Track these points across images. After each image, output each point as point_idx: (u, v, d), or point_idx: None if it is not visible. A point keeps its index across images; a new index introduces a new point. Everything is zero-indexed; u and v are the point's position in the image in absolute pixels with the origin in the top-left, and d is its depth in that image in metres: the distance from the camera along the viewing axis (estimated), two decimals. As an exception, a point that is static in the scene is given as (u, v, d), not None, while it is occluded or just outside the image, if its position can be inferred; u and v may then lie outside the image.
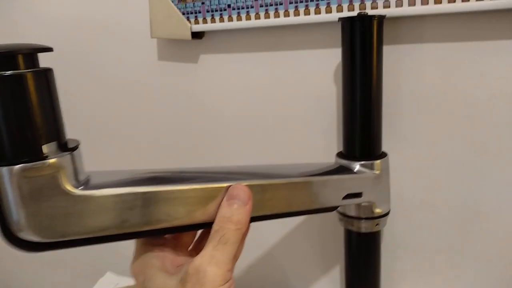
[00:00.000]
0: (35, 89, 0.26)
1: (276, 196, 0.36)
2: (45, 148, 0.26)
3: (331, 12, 0.48)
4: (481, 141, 0.48)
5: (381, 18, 0.43)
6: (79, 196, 0.28)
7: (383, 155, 0.47)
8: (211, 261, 0.30)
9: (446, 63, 0.47)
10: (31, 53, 0.26)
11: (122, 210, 0.29)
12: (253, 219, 0.35)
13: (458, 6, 0.42)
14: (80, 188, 0.28)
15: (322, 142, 0.56)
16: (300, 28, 0.52)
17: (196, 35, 0.57)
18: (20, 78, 0.25)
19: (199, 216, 0.32)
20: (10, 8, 0.73)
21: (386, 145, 0.48)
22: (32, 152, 0.26)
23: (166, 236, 0.36)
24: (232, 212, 0.32)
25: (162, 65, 0.63)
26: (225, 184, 0.33)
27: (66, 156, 0.27)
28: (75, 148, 0.29)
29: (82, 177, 0.29)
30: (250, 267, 0.69)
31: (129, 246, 0.57)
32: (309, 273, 0.64)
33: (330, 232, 0.59)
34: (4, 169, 0.25)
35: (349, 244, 0.51)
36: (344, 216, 0.48)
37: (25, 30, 0.73)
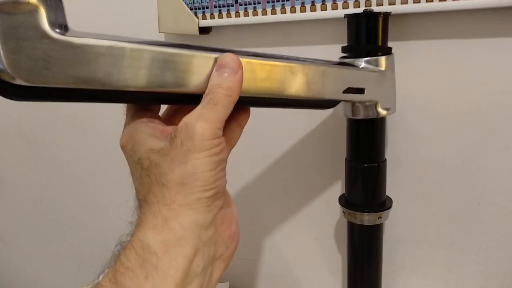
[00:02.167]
0: None
1: (271, 77, 0.35)
2: None
3: (337, 8, 0.49)
4: (482, 136, 0.49)
5: (387, 14, 0.44)
6: (59, 40, 0.27)
7: (389, 51, 0.46)
8: (199, 116, 0.29)
9: (450, 59, 0.48)
10: None
11: (106, 65, 0.28)
12: (247, 100, 0.34)
13: (463, 3, 0.43)
14: (59, 33, 0.27)
15: (329, 147, 0.56)
16: (307, 24, 0.53)
17: (204, 30, 0.58)
18: None
19: (187, 85, 0.31)
20: None
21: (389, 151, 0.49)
22: None
23: (156, 112, 0.35)
24: (223, 79, 0.31)
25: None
26: (214, 55, 0.32)
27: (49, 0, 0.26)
28: None
29: (62, 24, 0.28)
30: (252, 257, 0.70)
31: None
32: (312, 264, 0.65)
33: (333, 225, 0.60)
34: None
35: (351, 236, 0.52)
36: (347, 208, 0.49)
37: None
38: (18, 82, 0.26)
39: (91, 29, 0.68)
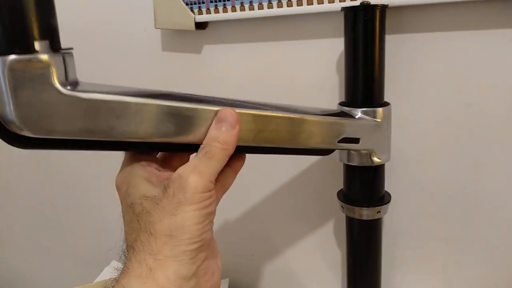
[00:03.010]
0: None
1: (270, 129, 0.36)
2: (38, 45, 0.27)
3: (333, 1, 0.48)
4: (481, 129, 0.48)
5: (384, 7, 0.43)
6: (67, 96, 0.28)
7: (385, 104, 0.46)
8: (194, 169, 0.31)
9: (448, 51, 0.47)
10: None
11: (109, 117, 0.30)
12: (245, 149, 0.36)
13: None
14: (69, 88, 0.28)
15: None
16: (303, 18, 0.53)
17: (200, 26, 0.57)
18: None
19: (187, 136, 0.33)
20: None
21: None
22: (25, 45, 0.26)
23: (155, 153, 0.37)
24: (220, 133, 0.32)
25: (166, 56, 0.63)
26: (214, 108, 0.33)
27: (58, 57, 0.28)
28: (68, 50, 0.29)
29: (72, 80, 0.29)
30: (251, 253, 0.70)
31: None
32: (311, 259, 0.65)
33: (332, 220, 0.60)
34: None
35: (350, 231, 0.52)
36: (346, 203, 0.49)
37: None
38: (26, 133, 0.28)
39: (87, 25, 0.67)
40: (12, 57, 0.26)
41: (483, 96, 0.47)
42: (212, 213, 0.32)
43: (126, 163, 0.35)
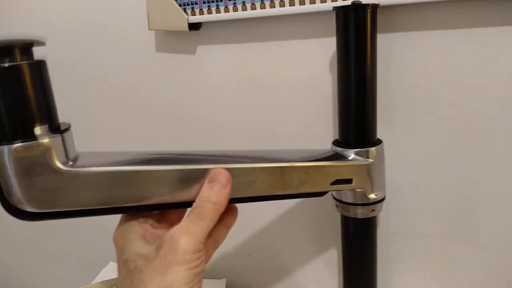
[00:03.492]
0: (30, 78, 0.29)
1: (261, 179, 0.38)
2: (38, 130, 0.30)
3: (325, 1, 0.48)
4: (475, 128, 0.48)
5: (375, 6, 0.43)
6: (68, 173, 0.31)
7: (378, 142, 0.47)
8: (185, 231, 0.32)
9: (440, 50, 0.48)
10: (26, 46, 0.29)
11: (107, 187, 0.32)
12: (240, 200, 0.37)
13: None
14: (68, 165, 0.31)
15: (319, 130, 0.56)
16: (296, 18, 0.53)
17: (193, 27, 0.57)
18: (17, 69, 0.28)
19: (181, 195, 0.35)
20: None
21: (380, 133, 0.49)
22: (26, 133, 0.29)
23: (145, 223, 0.37)
24: (212, 193, 0.34)
25: (160, 57, 0.63)
26: (206, 166, 0.35)
27: (57, 137, 0.30)
28: (65, 130, 0.31)
29: (71, 156, 0.32)
30: (248, 253, 0.70)
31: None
32: (307, 258, 0.65)
33: (327, 218, 0.60)
34: (5, 148, 0.29)
35: (345, 229, 0.52)
36: (341, 202, 0.49)
37: (18, 24, 0.74)
38: (29, 209, 0.31)
39: (80, 26, 0.67)
40: (16, 145, 0.29)
41: (476, 95, 0.47)
42: (202, 272, 0.33)
43: (124, 219, 0.36)
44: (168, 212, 0.39)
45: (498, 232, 0.51)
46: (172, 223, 0.38)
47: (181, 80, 0.63)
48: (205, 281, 0.72)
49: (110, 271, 0.74)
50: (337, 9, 0.44)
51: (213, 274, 0.73)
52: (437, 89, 0.49)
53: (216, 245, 0.39)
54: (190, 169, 0.35)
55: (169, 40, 0.62)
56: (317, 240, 0.63)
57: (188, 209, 0.35)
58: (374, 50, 0.45)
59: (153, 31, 0.62)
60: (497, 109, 0.47)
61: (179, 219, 0.39)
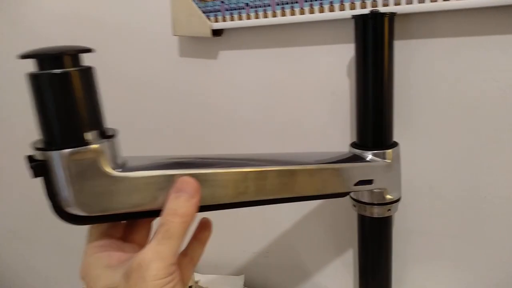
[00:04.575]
0: (79, 85, 0.30)
1: (293, 181, 0.40)
2: (88, 136, 0.30)
3: (344, 9, 0.50)
4: (487, 131, 0.50)
5: (392, 15, 0.45)
6: (117, 177, 0.31)
7: (394, 144, 0.49)
8: (154, 255, 0.30)
9: (455, 56, 0.49)
10: (75, 54, 0.30)
11: (154, 190, 0.33)
12: (272, 201, 0.39)
13: (466, 2, 0.44)
14: (118, 170, 0.32)
15: (337, 132, 0.58)
16: (315, 25, 0.55)
17: (216, 33, 0.60)
18: (67, 75, 0.29)
19: (225, 197, 0.36)
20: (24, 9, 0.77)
21: (397, 135, 0.51)
22: (78, 138, 0.30)
23: (115, 235, 0.37)
24: (179, 204, 0.32)
25: (183, 61, 0.66)
26: (248, 169, 0.36)
27: (106, 143, 0.31)
28: (113, 135, 0.32)
29: (119, 161, 0.33)
30: (266, 251, 0.72)
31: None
32: (324, 256, 0.67)
33: (344, 218, 0.62)
34: (55, 153, 0.29)
35: (362, 228, 0.54)
36: (358, 202, 0.51)
37: (41, 28, 0.77)
38: (79, 213, 0.31)
39: (110, 31, 0.70)
40: (68, 150, 0.29)
41: (489, 99, 0.49)
42: None
43: (86, 252, 0.34)
44: (134, 231, 0.38)
45: (510, 231, 0.53)
46: (139, 244, 0.37)
47: (203, 83, 0.66)
48: (224, 277, 0.75)
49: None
50: (356, 17, 0.46)
51: (232, 271, 0.76)
52: (452, 94, 0.50)
53: (193, 263, 0.37)
54: (234, 172, 0.36)
55: (192, 45, 0.65)
56: (334, 238, 0.65)
57: (156, 221, 0.34)
58: (391, 56, 0.47)
59: (177, 36, 0.65)
60: (508, 113, 0.48)
61: (145, 237, 0.38)
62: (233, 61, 0.62)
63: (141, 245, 0.36)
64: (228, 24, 0.58)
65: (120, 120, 0.76)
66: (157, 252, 0.31)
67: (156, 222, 0.34)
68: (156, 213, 0.34)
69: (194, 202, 0.33)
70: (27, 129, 0.90)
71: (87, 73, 0.30)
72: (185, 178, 0.33)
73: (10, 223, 1.07)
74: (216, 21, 0.58)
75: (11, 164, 0.97)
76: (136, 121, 0.75)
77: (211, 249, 0.77)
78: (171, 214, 0.32)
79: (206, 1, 0.58)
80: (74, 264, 0.93)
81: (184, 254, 0.37)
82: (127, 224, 0.38)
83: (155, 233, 0.32)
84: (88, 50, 0.31)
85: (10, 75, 0.85)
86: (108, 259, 0.33)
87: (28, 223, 1.03)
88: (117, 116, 0.76)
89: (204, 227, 0.39)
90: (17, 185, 1.00)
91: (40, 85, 0.29)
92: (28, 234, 1.05)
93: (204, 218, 0.39)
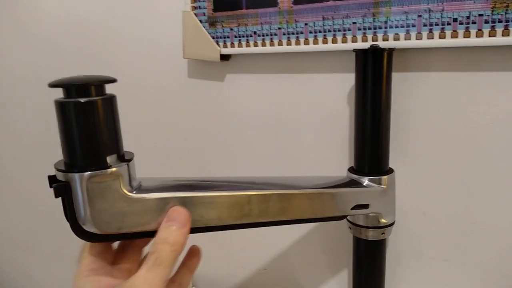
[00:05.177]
0: (103, 112, 0.32)
1: (292, 204, 0.42)
2: (108, 159, 0.32)
3: (346, 42, 0.53)
4: (479, 160, 0.53)
5: (391, 50, 0.48)
6: (133, 198, 0.33)
7: (390, 171, 0.52)
8: (143, 282, 0.31)
9: (449, 90, 0.52)
10: (100, 84, 0.32)
11: (165, 210, 0.35)
12: (272, 223, 0.41)
13: (461, 41, 0.47)
14: (134, 192, 0.34)
15: (335, 156, 0.61)
16: (318, 55, 0.58)
17: (224, 57, 0.63)
18: (92, 104, 0.31)
19: (231, 219, 0.38)
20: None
21: (393, 162, 0.53)
22: (98, 162, 0.32)
23: (106, 259, 0.38)
24: (170, 233, 0.33)
25: (192, 82, 0.69)
26: (252, 193, 0.39)
27: (124, 166, 0.33)
28: (130, 159, 0.35)
29: (135, 183, 0.35)
30: (264, 268, 0.74)
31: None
32: (320, 275, 0.69)
33: (340, 239, 0.64)
34: (76, 175, 0.31)
35: (357, 250, 0.56)
36: (354, 224, 0.53)
37: (47, 33, 0.80)
38: (97, 232, 0.33)
39: (123, 51, 0.73)
40: (89, 173, 0.31)
41: (480, 130, 0.52)
42: None
43: (77, 276, 0.35)
44: (125, 256, 0.39)
45: (500, 256, 0.55)
46: (129, 269, 0.38)
47: (210, 104, 0.68)
48: (221, 293, 0.76)
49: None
50: (357, 51, 0.49)
51: (229, 287, 0.77)
52: (445, 124, 0.53)
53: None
54: (237, 195, 0.38)
55: (201, 68, 0.68)
56: (330, 259, 0.67)
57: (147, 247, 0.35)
58: (389, 87, 0.49)
59: (186, 59, 0.68)
60: (499, 144, 0.51)
61: (136, 262, 0.39)
62: (239, 84, 0.65)
63: (131, 270, 0.37)
64: (236, 50, 0.61)
65: (126, 137, 0.78)
66: (146, 279, 0.31)
67: (147, 248, 0.36)
68: None
69: (184, 232, 0.34)
70: (28, 136, 0.93)
71: (110, 102, 0.33)
72: (177, 208, 0.34)
73: (8, 231, 1.08)
74: (225, 46, 0.61)
75: (11, 172, 0.99)
76: (142, 138, 0.77)
77: (209, 265, 0.79)
78: (162, 242, 0.33)
79: (216, 27, 0.61)
80: (72, 274, 0.94)
81: (172, 280, 0.38)
82: (118, 249, 0.39)
83: (145, 260, 0.33)
84: (113, 81, 0.33)
85: (11, 77, 0.87)
86: (97, 284, 0.34)
87: (26, 231, 1.04)
88: (124, 133, 0.79)
89: (193, 254, 0.40)
90: (16, 194, 1.01)
91: (66, 112, 0.31)
92: (26, 242, 1.06)
93: (193, 245, 0.41)
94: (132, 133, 0.77)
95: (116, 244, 0.39)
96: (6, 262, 1.12)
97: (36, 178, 0.95)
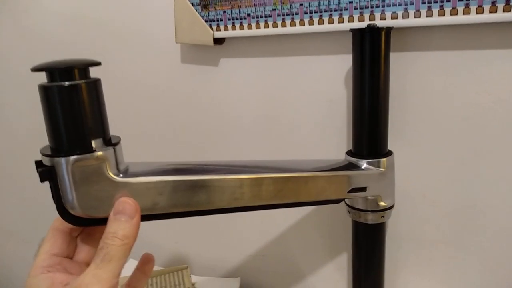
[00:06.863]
0: (87, 96, 0.31)
1: (288, 188, 0.42)
2: (94, 143, 0.32)
3: (343, 22, 0.52)
4: (479, 141, 0.52)
5: (389, 29, 0.47)
6: (120, 183, 0.33)
7: (389, 153, 0.51)
8: (92, 279, 0.30)
9: (448, 69, 0.51)
10: (84, 67, 0.32)
11: (153, 195, 0.35)
12: (268, 206, 0.41)
13: (460, 18, 0.46)
14: (120, 176, 0.33)
15: (334, 140, 0.60)
16: (314, 36, 0.57)
17: (217, 41, 0.61)
18: (76, 87, 0.31)
19: (221, 202, 0.38)
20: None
21: (392, 144, 0.52)
22: (84, 146, 0.32)
23: (66, 253, 0.36)
24: (119, 226, 0.32)
25: (185, 68, 0.68)
26: (244, 176, 0.38)
27: (110, 150, 0.33)
28: (117, 143, 0.34)
29: (122, 167, 0.35)
30: (262, 253, 0.74)
31: (152, 234, 0.62)
32: (318, 260, 0.69)
33: (339, 223, 0.64)
34: (62, 160, 0.31)
35: (356, 234, 0.56)
36: (352, 208, 0.53)
37: (45, 29, 0.78)
38: (83, 216, 0.33)
39: (115, 38, 0.71)
40: (74, 157, 0.31)
41: (481, 111, 0.51)
42: None
43: (31, 272, 0.34)
44: (86, 249, 0.37)
45: (500, 240, 0.54)
46: (87, 264, 0.36)
47: (204, 89, 0.67)
48: (220, 279, 0.76)
49: (131, 268, 0.77)
50: (354, 31, 0.48)
51: (228, 273, 0.77)
52: (445, 105, 0.52)
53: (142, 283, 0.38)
54: (233, 179, 0.38)
55: (194, 53, 0.66)
56: (329, 243, 0.67)
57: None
58: (387, 68, 0.48)
59: (179, 44, 0.66)
60: (500, 124, 0.50)
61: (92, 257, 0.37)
62: (233, 68, 0.64)
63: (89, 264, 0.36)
64: (229, 33, 0.59)
65: (120, 124, 0.77)
66: (95, 276, 0.30)
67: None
68: (155, 217, 0.35)
69: (134, 223, 0.32)
70: (26, 130, 0.91)
71: (95, 85, 0.32)
72: (124, 199, 0.33)
73: (8, 224, 1.08)
74: (218, 30, 0.60)
75: (10, 165, 0.98)
76: (136, 125, 0.76)
77: (208, 251, 0.78)
78: (111, 237, 0.31)
79: (209, 10, 0.59)
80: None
81: (128, 284, 0.38)
82: (80, 242, 0.38)
83: (95, 256, 0.31)
84: (96, 64, 0.32)
85: (11, 75, 0.86)
86: (50, 282, 0.32)
87: (26, 224, 1.04)
88: (117, 120, 0.77)
89: (147, 261, 0.40)
90: (15, 187, 1.01)
91: (50, 96, 0.30)
92: (26, 235, 1.06)
93: (146, 253, 0.40)
94: (125, 119, 0.76)
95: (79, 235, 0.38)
96: (7, 256, 1.12)
97: (36, 171, 0.94)
